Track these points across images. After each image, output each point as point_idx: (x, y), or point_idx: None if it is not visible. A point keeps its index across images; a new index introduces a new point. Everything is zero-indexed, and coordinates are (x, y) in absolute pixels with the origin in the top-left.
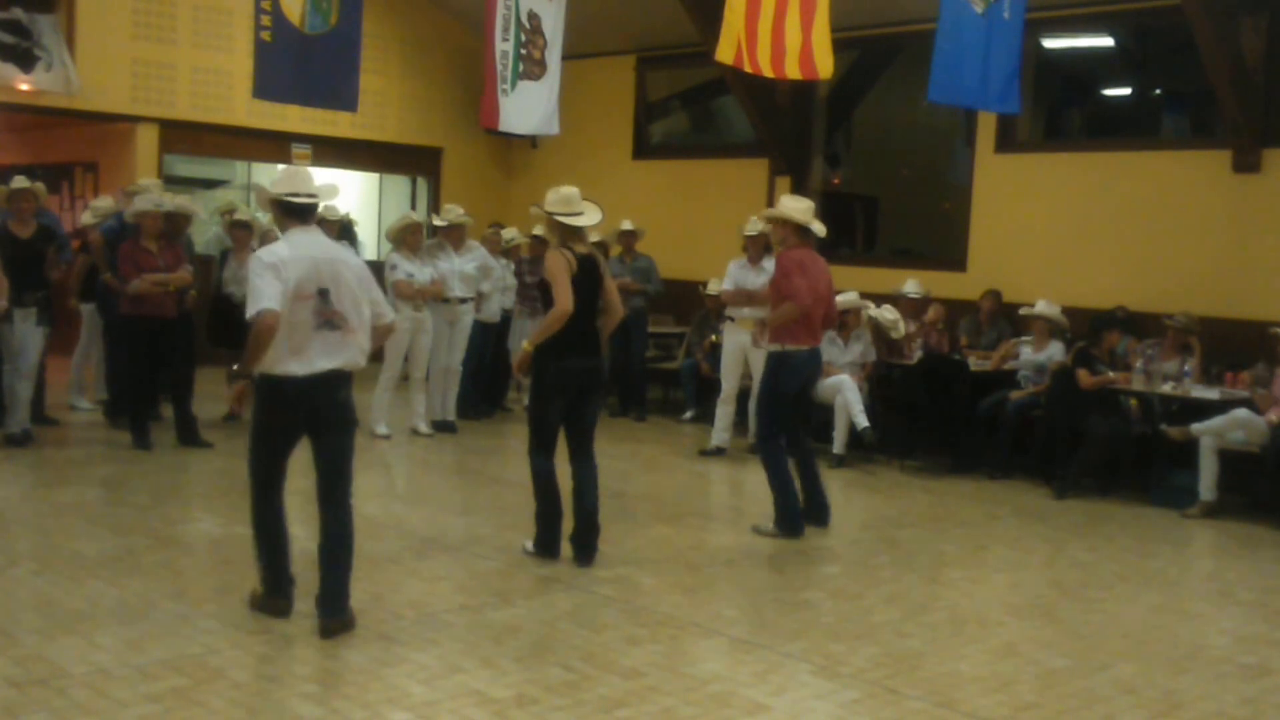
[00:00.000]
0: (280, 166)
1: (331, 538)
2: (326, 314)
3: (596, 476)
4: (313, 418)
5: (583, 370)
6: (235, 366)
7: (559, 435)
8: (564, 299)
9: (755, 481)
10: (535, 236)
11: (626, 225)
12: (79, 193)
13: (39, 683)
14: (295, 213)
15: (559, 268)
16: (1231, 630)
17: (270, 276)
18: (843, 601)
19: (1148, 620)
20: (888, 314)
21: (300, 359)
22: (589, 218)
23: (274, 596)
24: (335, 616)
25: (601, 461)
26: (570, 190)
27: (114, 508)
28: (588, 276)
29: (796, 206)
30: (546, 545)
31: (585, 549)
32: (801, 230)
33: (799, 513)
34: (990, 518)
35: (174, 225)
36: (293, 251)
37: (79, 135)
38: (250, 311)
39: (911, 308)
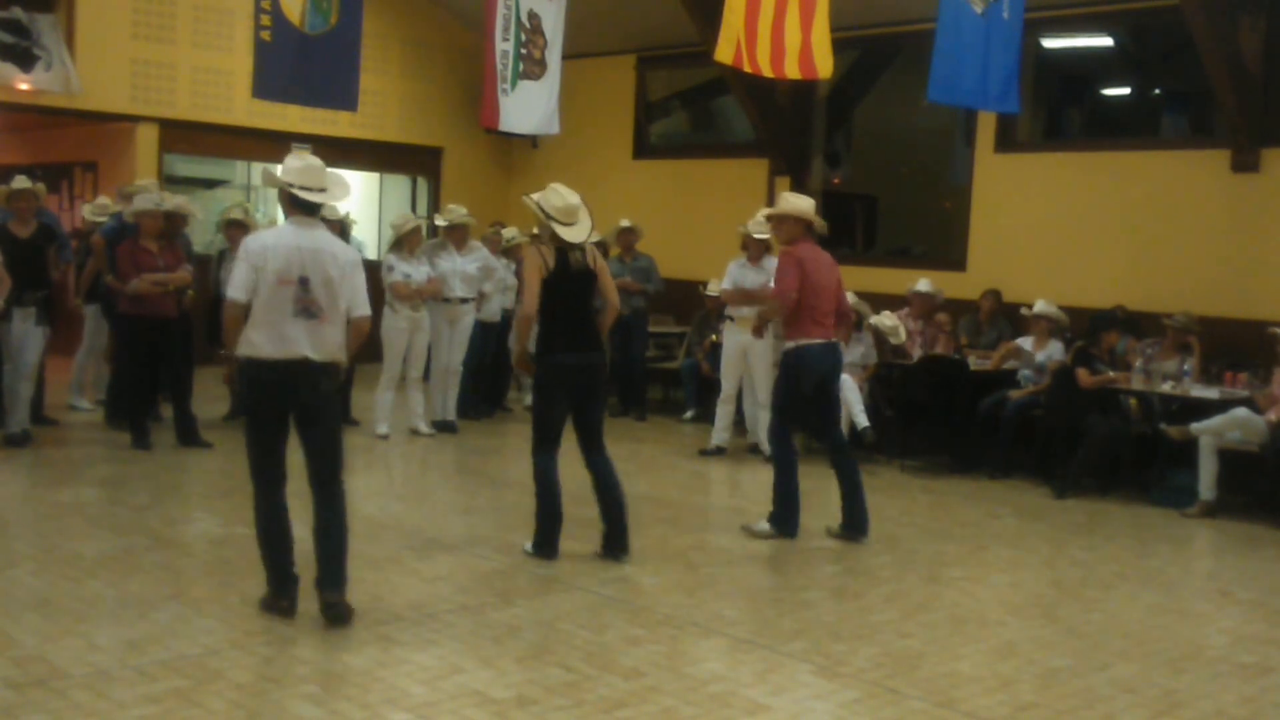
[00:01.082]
0: (294, 153)
1: (323, 522)
2: (304, 301)
3: (615, 470)
4: (295, 405)
5: (578, 367)
6: (222, 350)
7: (562, 434)
8: (529, 301)
9: (755, 481)
10: (536, 236)
11: (625, 223)
12: (79, 192)
13: (38, 684)
14: (300, 205)
15: (531, 269)
16: (1231, 629)
17: (245, 266)
18: (843, 601)
19: (1147, 620)
20: (886, 320)
21: (276, 343)
22: (578, 232)
23: (278, 597)
24: (335, 589)
25: None
26: (574, 201)
27: (113, 508)
28: (573, 273)
29: (801, 204)
30: (543, 546)
31: (619, 542)
32: (807, 226)
33: (797, 515)
34: (990, 517)
35: (172, 225)
36: (278, 239)
37: (79, 135)
38: (225, 295)
39: (923, 305)
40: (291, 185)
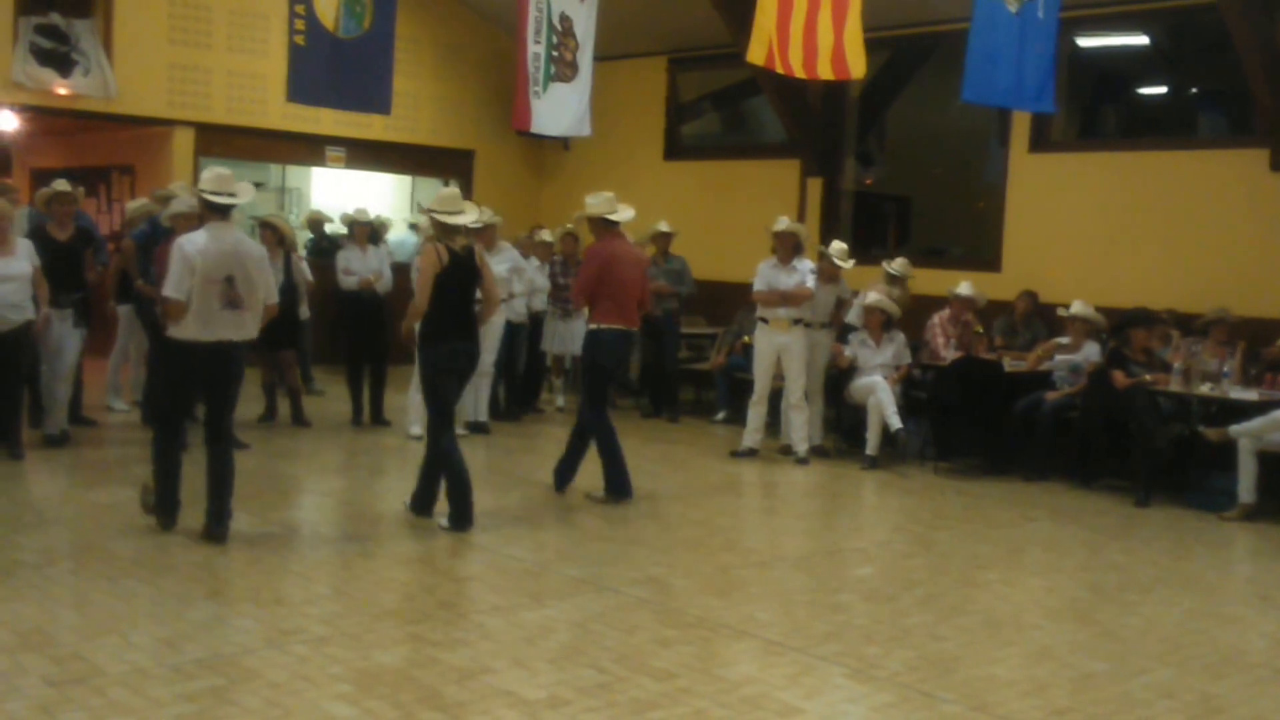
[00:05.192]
0: (211, 169)
1: (214, 471)
2: (230, 296)
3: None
4: (211, 374)
5: (465, 353)
6: (158, 302)
7: (454, 413)
8: (419, 297)
9: (787, 482)
10: (568, 233)
11: (664, 227)
12: (116, 196)
13: (76, 681)
14: (216, 209)
15: (427, 266)
16: (1270, 634)
17: (184, 269)
18: (876, 604)
19: (1185, 624)
20: (873, 296)
21: (207, 330)
22: (466, 217)
23: (163, 514)
24: (219, 527)
25: (633, 462)
26: (452, 191)
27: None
28: (462, 270)
29: (594, 201)
30: (459, 520)
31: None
32: (603, 222)
33: (627, 480)
34: (1025, 520)
35: None
36: (209, 243)
37: (116, 139)
38: (163, 291)
39: (963, 309)
40: (205, 193)
